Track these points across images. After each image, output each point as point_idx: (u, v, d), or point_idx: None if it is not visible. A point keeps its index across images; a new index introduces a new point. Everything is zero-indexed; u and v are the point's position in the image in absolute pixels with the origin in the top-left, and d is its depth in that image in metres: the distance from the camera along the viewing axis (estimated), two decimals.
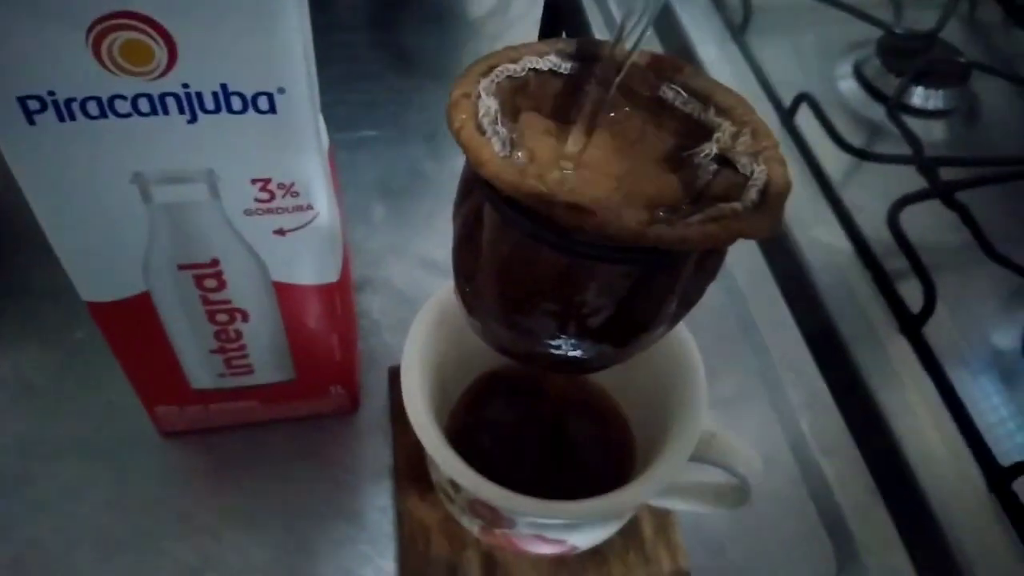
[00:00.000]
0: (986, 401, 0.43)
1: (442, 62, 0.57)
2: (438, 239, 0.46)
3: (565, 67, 0.21)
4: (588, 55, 0.21)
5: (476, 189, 0.20)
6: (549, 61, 0.21)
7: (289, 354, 0.33)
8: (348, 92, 0.54)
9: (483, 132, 0.19)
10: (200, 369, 0.33)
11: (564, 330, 0.21)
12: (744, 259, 0.47)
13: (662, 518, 0.34)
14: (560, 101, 0.21)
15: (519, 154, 0.20)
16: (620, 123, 0.21)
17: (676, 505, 0.32)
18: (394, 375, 0.38)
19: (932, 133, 0.57)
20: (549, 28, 0.24)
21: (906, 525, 0.37)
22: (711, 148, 0.20)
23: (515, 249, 0.20)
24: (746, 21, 0.62)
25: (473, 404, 0.33)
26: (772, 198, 0.19)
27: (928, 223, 0.49)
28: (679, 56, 0.21)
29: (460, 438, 0.28)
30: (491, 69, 0.20)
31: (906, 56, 0.60)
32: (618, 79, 0.20)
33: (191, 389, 0.33)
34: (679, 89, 0.21)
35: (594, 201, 0.18)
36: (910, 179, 0.51)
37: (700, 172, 0.20)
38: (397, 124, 0.52)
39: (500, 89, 0.20)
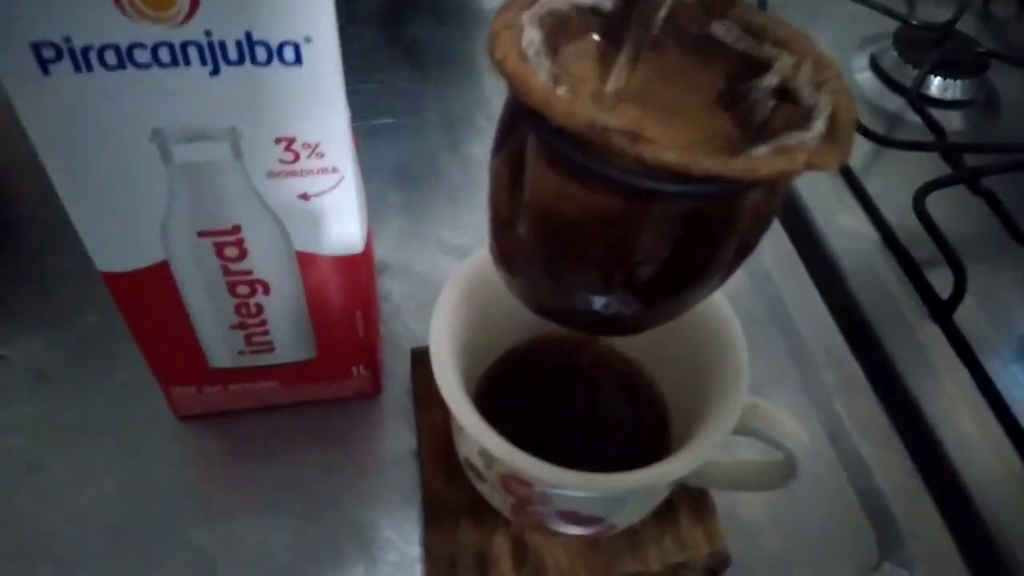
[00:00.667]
0: (1018, 387, 0.42)
1: (456, 53, 0.57)
2: (457, 224, 0.45)
3: (608, 4, 0.20)
4: None
5: (520, 124, 0.19)
6: None
7: (311, 330, 0.32)
8: (363, 82, 0.53)
9: (527, 62, 0.18)
10: (219, 346, 0.31)
11: (614, 280, 0.20)
12: (772, 244, 0.46)
13: (699, 502, 0.32)
14: (604, 39, 0.20)
15: (565, 88, 0.19)
16: (669, 61, 0.20)
17: (716, 484, 0.30)
18: (416, 357, 0.37)
19: (952, 123, 0.56)
20: None
21: (948, 510, 0.36)
22: (771, 80, 0.19)
23: (563, 187, 0.18)
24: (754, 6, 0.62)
25: (502, 377, 0.32)
26: (841, 127, 0.18)
27: (951, 210, 0.48)
28: None
29: (489, 412, 0.27)
30: (533, 2, 0.19)
31: (923, 47, 0.59)
32: (662, 13, 0.19)
33: (209, 368, 0.32)
34: (732, 24, 0.20)
35: (653, 133, 0.17)
36: (931, 167, 0.50)
37: (757, 108, 0.19)
38: (414, 112, 0.51)
39: (542, 23, 0.19)
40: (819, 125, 0.18)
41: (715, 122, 0.19)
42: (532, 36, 0.19)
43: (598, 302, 0.21)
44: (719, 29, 0.20)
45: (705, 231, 0.19)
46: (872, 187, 0.50)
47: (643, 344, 0.31)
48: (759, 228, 0.20)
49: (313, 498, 0.33)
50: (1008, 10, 0.68)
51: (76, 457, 0.34)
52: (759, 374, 0.39)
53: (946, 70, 0.58)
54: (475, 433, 0.25)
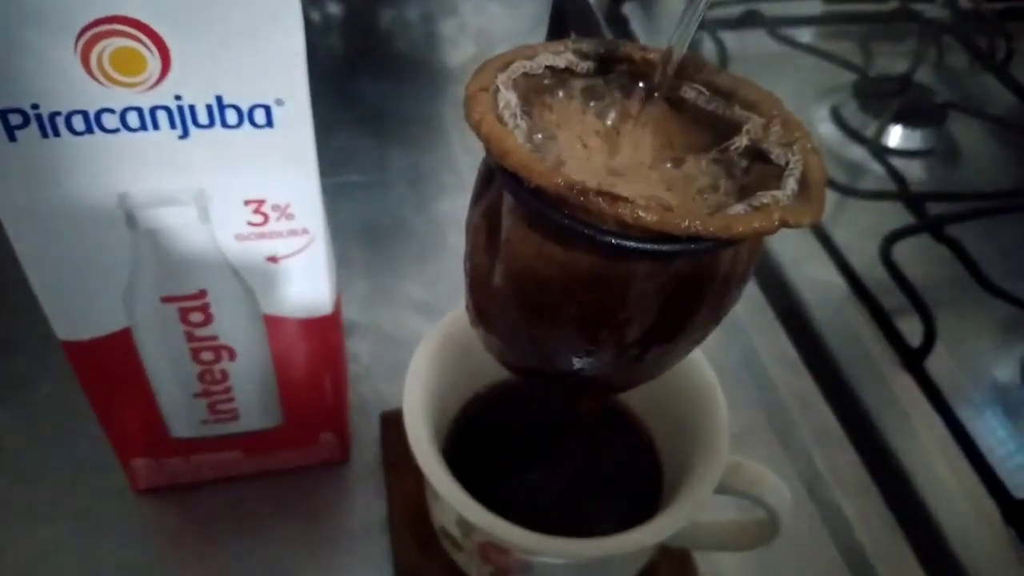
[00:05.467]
0: (991, 434, 0.43)
1: (422, 109, 0.57)
2: (425, 281, 0.44)
3: (582, 66, 0.20)
4: (605, 54, 0.20)
5: (496, 185, 0.19)
6: (566, 59, 0.20)
7: (277, 396, 0.31)
8: (329, 139, 0.52)
9: (504, 124, 0.18)
10: (181, 415, 0.30)
11: (593, 340, 0.20)
12: (743, 296, 0.46)
13: (681, 565, 0.32)
14: (579, 99, 0.20)
15: (543, 147, 0.18)
16: (645, 122, 0.20)
17: (698, 546, 0.30)
18: (387, 421, 0.36)
19: (913, 172, 0.57)
20: (556, 33, 0.23)
21: (927, 562, 0.36)
22: (742, 140, 0.19)
23: (541, 247, 0.18)
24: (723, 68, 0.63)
25: (477, 423, 0.31)
26: (813, 186, 0.18)
27: (917, 258, 0.48)
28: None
29: (463, 461, 0.26)
30: (508, 65, 0.19)
31: (882, 98, 0.61)
32: (663, 77, 0.19)
33: (171, 439, 0.31)
34: (701, 88, 0.20)
35: (630, 193, 0.17)
36: (895, 215, 0.51)
37: (731, 167, 0.19)
38: (379, 169, 0.51)
39: (517, 85, 0.19)
40: (791, 184, 0.18)
41: (691, 181, 0.19)
42: (508, 98, 0.18)
43: (578, 362, 0.21)
44: (689, 92, 0.20)
45: (685, 288, 0.19)
46: (839, 237, 0.51)
47: (633, 391, 0.30)
48: (738, 283, 0.20)
49: (278, 574, 0.32)
50: (962, 61, 0.70)
51: (31, 534, 0.32)
52: (737, 428, 0.39)
53: (906, 120, 0.59)
54: (454, 502, 0.24)
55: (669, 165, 0.19)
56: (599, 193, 0.16)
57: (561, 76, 0.20)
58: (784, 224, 0.17)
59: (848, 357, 0.44)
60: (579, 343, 0.20)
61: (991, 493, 0.39)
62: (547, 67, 0.20)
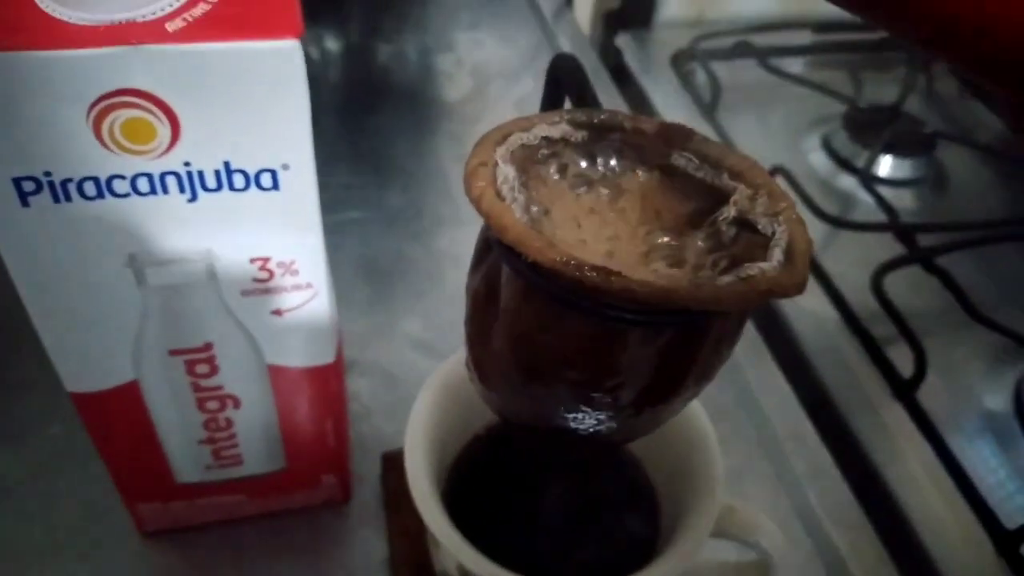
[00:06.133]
0: (984, 464, 0.43)
1: (422, 146, 0.58)
2: (426, 320, 0.45)
3: (577, 136, 0.21)
4: (598, 124, 0.21)
5: (495, 255, 0.19)
6: (561, 129, 0.21)
7: (281, 442, 0.31)
8: (330, 176, 0.53)
9: (502, 198, 0.19)
10: (187, 461, 0.31)
11: (589, 401, 0.20)
12: None
13: None
14: (573, 169, 0.21)
15: (540, 219, 0.19)
16: (637, 191, 0.21)
17: None
18: (388, 461, 0.36)
19: (903, 201, 0.58)
20: (551, 101, 0.24)
21: None
22: (729, 211, 0.20)
23: (539, 316, 0.19)
24: (715, 99, 0.64)
25: (474, 467, 0.31)
26: (797, 257, 0.18)
27: (908, 289, 0.49)
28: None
29: (464, 504, 0.27)
30: (505, 138, 0.20)
31: (872, 128, 0.62)
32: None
33: (176, 483, 0.32)
34: (690, 156, 0.21)
35: (623, 265, 0.18)
36: (886, 245, 0.52)
37: (721, 235, 0.20)
38: (380, 206, 0.52)
39: (514, 157, 0.20)
40: (777, 254, 0.18)
41: (683, 249, 0.20)
42: (506, 172, 0.19)
43: (573, 421, 0.22)
44: (679, 160, 0.21)
45: (677, 353, 0.19)
46: (830, 267, 0.51)
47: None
48: (728, 344, 0.21)
49: None
50: (951, 89, 0.72)
51: (40, 574, 0.33)
52: (732, 466, 0.40)
53: (895, 150, 0.60)
54: (455, 550, 0.25)
55: (663, 238, 0.20)
56: (594, 268, 0.17)
57: (557, 144, 0.21)
58: (771, 295, 0.18)
59: (840, 388, 0.45)
60: (575, 404, 0.21)
61: (983, 524, 0.39)
62: (544, 136, 0.21)
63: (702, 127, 0.63)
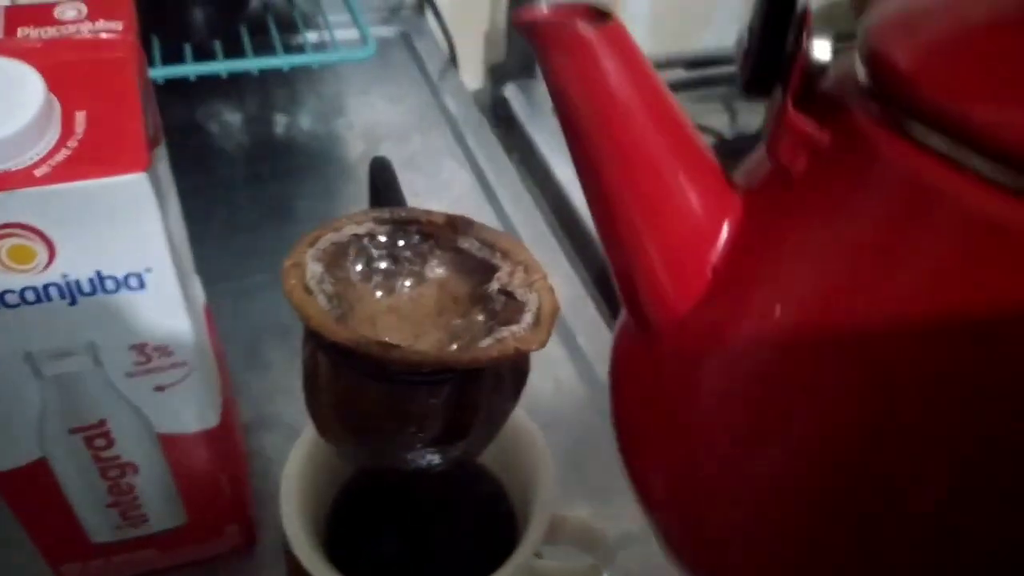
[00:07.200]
0: None
1: (320, 207, 0.62)
2: None
3: (381, 231, 0.26)
4: (399, 219, 0.27)
5: (310, 338, 0.24)
6: (366, 227, 0.26)
7: (180, 499, 0.36)
8: (230, 242, 0.58)
9: (310, 292, 0.24)
10: (98, 523, 0.35)
11: (406, 445, 0.25)
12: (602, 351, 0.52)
13: None
14: (377, 259, 0.26)
15: (341, 307, 0.24)
16: (435, 281, 0.26)
17: None
18: None
19: None
20: (375, 199, 0.29)
21: None
22: (494, 285, 0.25)
23: (347, 383, 0.24)
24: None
25: (352, 506, 0.36)
26: (544, 318, 0.24)
27: None
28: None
29: (345, 542, 0.31)
30: (317, 239, 0.25)
31: (738, 156, 0.69)
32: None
33: (92, 544, 0.36)
34: (473, 239, 0.26)
35: (402, 338, 0.23)
36: None
37: (493, 306, 0.25)
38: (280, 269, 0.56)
39: (326, 254, 0.25)
40: (528, 318, 0.24)
41: (470, 325, 0.25)
42: (314, 269, 0.24)
43: (402, 459, 0.27)
44: (464, 243, 0.26)
45: (462, 400, 0.25)
46: None
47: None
48: (511, 388, 0.26)
49: None
50: None
51: None
52: (600, 482, 0.44)
53: None
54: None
55: (455, 320, 0.25)
56: (377, 343, 0.22)
57: (363, 240, 0.26)
58: (518, 352, 0.23)
59: None
60: (395, 448, 0.26)
61: None
62: (353, 234, 0.26)
63: None
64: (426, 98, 0.72)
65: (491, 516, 0.37)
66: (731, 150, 0.69)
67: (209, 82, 0.61)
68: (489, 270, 0.26)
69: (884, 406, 0.14)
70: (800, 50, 0.17)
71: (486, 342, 0.23)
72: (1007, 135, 0.13)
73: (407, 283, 0.26)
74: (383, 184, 0.28)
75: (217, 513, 0.37)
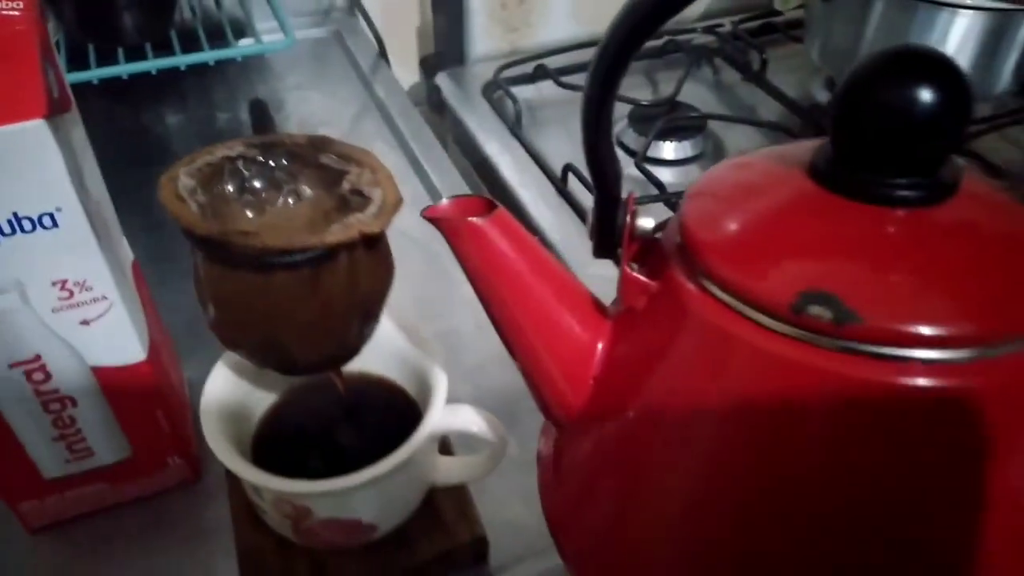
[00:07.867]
0: None
1: None
2: None
3: (251, 153, 0.31)
4: (267, 143, 0.31)
5: (189, 242, 0.29)
6: (237, 150, 0.30)
7: (121, 432, 0.40)
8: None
9: (183, 200, 0.28)
10: (48, 458, 0.39)
11: (284, 336, 0.30)
12: None
13: (459, 499, 0.41)
14: (249, 178, 0.31)
15: (216, 219, 0.29)
16: (303, 192, 0.31)
17: (442, 481, 0.39)
18: None
19: (689, 176, 0.69)
20: (257, 127, 0.33)
21: None
22: (345, 185, 0.29)
23: (219, 274, 0.28)
24: (518, 118, 0.75)
25: (278, 424, 0.40)
26: (386, 207, 0.28)
27: None
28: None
29: (275, 459, 0.35)
30: (193, 160, 0.29)
31: (652, 120, 0.73)
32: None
33: (44, 480, 0.40)
34: (331, 155, 0.31)
35: (263, 229, 0.27)
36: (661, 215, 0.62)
37: (348, 203, 0.29)
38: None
39: (200, 173, 0.29)
40: (372, 208, 0.28)
41: (323, 216, 0.30)
42: (187, 182, 0.29)
43: (298, 357, 0.31)
44: (324, 158, 0.31)
45: (324, 279, 0.29)
46: None
47: (388, 363, 0.40)
48: (369, 269, 0.30)
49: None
50: (733, 77, 0.84)
51: None
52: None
53: (672, 135, 0.71)
54: (237, 469, 0.33)
55: (319, 230, 0.29)
56: (238, 232, 0.26)
57: (236, 160, 0.31)
58: (361, 234, 0.27)
59: None
60: (284, 342, 0.30)
61: None
62: (225, 156, 0.30)
63: (511, 143, 0.73)
64: (358, 90, 0.77)
65: (402, 426, 0.41)
66: (645, 115, 0.74)
67: (154, 87, 0.66)
68: (342, 177, 0.30)
69: (704, 469, 0.23)
70: (628, 225, 0.25)
71: (335, 228, 0.27)
72: (757, 292, 0.21)
73: (279, 201, 0.31)
74: (259, 120, 0.32)
75: (159, 445, 0.41)
